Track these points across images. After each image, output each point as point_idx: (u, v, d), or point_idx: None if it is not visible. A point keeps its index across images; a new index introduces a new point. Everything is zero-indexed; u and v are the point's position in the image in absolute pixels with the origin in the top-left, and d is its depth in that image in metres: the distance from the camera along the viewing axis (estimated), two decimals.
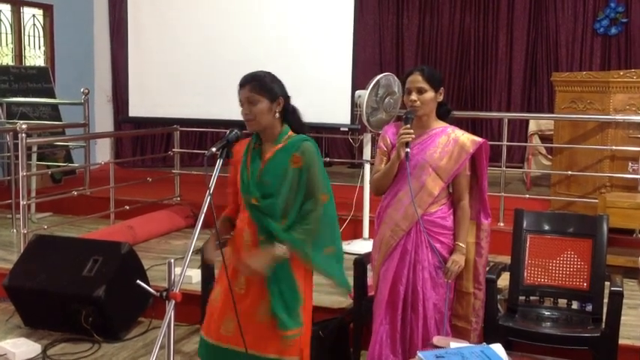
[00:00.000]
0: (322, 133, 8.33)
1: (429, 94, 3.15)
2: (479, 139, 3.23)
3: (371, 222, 5.38)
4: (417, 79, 3.14)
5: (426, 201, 3.17)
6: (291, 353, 2.79)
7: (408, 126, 3.11)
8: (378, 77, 5.28)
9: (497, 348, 2.68)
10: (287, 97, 2.84)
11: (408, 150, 3.09)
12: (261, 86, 2.77)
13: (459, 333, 3.30)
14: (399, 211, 3.19)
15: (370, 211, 5.46)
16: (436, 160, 3.16)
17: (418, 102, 3.14)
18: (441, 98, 3.21)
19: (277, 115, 2.81)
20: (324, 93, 5.75)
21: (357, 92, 5.47)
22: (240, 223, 2.87)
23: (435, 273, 3.19)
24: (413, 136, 3.10)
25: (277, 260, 2.73)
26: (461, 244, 3.19)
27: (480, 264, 3.29)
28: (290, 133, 2.84)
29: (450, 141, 3.19)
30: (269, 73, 2.85)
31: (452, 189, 3.25)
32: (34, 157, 6.74)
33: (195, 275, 4.48)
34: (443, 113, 3.28)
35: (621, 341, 3.40)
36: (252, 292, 2.80)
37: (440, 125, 3.25)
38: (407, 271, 3.19)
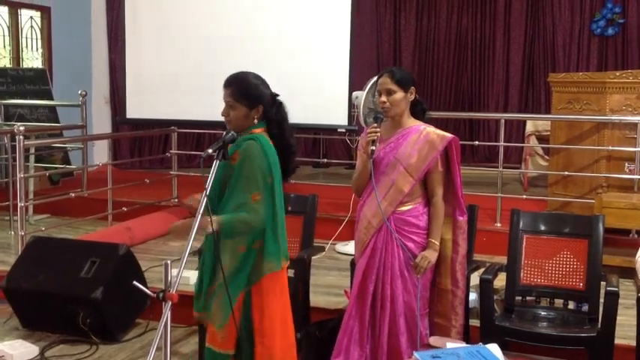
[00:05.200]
0: (320, 134, 8.35)
1: (399, 94, 3.21)
2: (448, 136, 3.27)
3: None
4: (385, 82, 3.22)
5: (396, 199, 3.22)
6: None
7: (375, 125, 3.21)
8: (375, 78, 5.28)
9: (494, 348, 2.68)
10: (271, 98, 2.83)
11: (374, 148, 3.17)
12: (240, 92, 2.78)
13: (439, 330, 3.34)
14: (372, 209, 3.25)
15: None
16: (407, 158, 3.22)
17: (387, 103, 3.21)
18: (412, 98, 3.27)
19: (256, 121, 2.82)
20: (322, 94, 5.77)
21: (355, 93, 5.48)
22: None
23: (406, 270, 3.23)
24: (378, 134, 3.19)
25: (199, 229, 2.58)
26: (433, 241, 3.24)
27: (457, 261, 3.32)
28: (254, 131, 2.81)
29: (420, 138, 3.25)
30: (254, 77, 2.82)
31: (426, 186, 3.30)
32: (32, 158, 6.75)
33: (192, 276, 4.48)
34: (418, 112, 3.34)
35: (617, 341, 3.41)
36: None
37: (413, 124, 3.31)
38: (376, 268, 3.25)
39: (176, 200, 6.96)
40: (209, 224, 2.60)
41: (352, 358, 3.26)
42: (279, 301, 2.89)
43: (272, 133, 2.84)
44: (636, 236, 5.24)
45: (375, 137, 3.17)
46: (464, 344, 2.92)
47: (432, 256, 3.22)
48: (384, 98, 3.22)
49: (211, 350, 2.88)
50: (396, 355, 3.17)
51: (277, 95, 2.87)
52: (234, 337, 2.84)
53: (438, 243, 3.24)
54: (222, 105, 2.85)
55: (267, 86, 2.85)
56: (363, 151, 3.33)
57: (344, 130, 6.18)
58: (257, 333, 2.84)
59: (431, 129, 3.28)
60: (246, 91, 2.79)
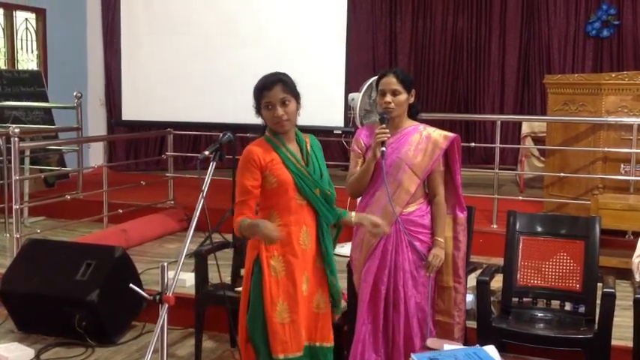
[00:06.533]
0: (316, 135, 8.33)
1: (403, 96, 3.22)
2: (451, 135, 3.30)
3: None
4: (391, 81, 3.21)
5: (403, 199, 3.22)
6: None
7: (384, 126, 3.17)
8: (372, 80, 5.29)
9: (491, 350, 2.69)
10: None
11: (384, 149, 3.15)
12: (290, 87, 2.77)
13: (442, 328, 3.34)
14: (378, 210, 3.22)
15: None
16: (411, 158, 3.23)
17: (392, 104, 3.20)
18: (412, 100, 3.28)
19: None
20: (318, 96, 5.72)
21: (351, 95, 5.48)
22: (287, 228, 2.77)
23: (416, 272, 3.24)
24: (388, 135, 3.17)
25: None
26: (439, 239, 3.26)
27: (459, 257, 3.34)
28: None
29: (422, 138, 3.26)
30: (287, 74, 2.83)
31: (427, 185, 3.31)
32: (27, 161, 6.73)
33: (188, 278, 4.48)
34: (413, 113, 3.36)
35: (614, 342, 3.41)
36: (310, 288, 2.82)
37: (411, 124, 3.32)
38: (388, 271, 3.24)
39: (172, 202, 6.95)
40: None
41: None
42: None
43: None
44: (632, 237, 5.24)
45: (385, 138, 3.14)
46: (461, 346, 2.92)
47: (441, 253, 3.25)
48: (388, 98, 3.20)
49: (328, 347, 2.90)
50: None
51: None
52: None
53: (443, 241, 3.27)
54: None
55: None
56: (360, 152, 3.33)
57: (340, 132, 6.17)
58: None
59: (431, 129, 3.31)
60: (292, 84, 2.80)
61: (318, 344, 2.85)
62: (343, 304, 3.81)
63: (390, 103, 3.20)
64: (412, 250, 3.24)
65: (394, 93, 3.20)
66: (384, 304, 3.25)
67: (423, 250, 3.25)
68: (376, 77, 5.28)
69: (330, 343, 2.90)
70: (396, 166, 3.23)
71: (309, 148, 2.87)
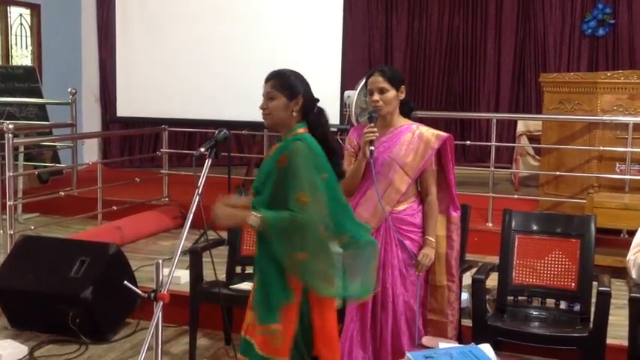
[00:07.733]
0: None
1: (391, 93, 3.21)
2: (443, 134, 3.29)
3: None
4: (377, 80, 3.21)
5: (394, 198, 3.22)
6: (267, 351, 2.67)
7: (372, 125, 3.17)
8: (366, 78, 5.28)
9: (486, 348, 2.68)
10: (310, 98, 2.78)
11: (373, 148, 3.15)
12: (282, 83, 2.74)
13: (435, 327, 3.34)
14: (368, 209, 3.23)
15: None
16: (402, 157, 3.23)
17: (380, 102, 3.20)
18: (402, 96, 3.27)
19: (294, 113, 2.74)
20: (314, 93, 5.75)
21: (346, 93, 5.48)
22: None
23: (405, 270, 3.24)
24: (377, 134, 3.16)
25: (243, 223, 2.67)
26: (430, 238, 3.26)
27: (452, 256, 3.34)
28: (298, 131, 2.72)
29: (414, 137, 3.25)
30: (295, 72, 2.81)
31: (419, 185, 3.31)
32: (21, 157, 6.71)
33: (183, 276, 4.46)
34: (406, 111, 3.35)
35: (609, 341, 3.40)
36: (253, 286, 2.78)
37: (404, 123, 3.31)
38: (377, 269, 3.22)
39: (167, 199, 6.93)
40: (255, 219, 2.58)
41: None
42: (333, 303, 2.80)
43: (314, 137, 2.76)
44: (627, 236, 5.24)
45: (374, 137, 3.15)
46: (456, 344, 2.92)
47: (431, 253, 3.25)
48: (376, 97, 3.20)
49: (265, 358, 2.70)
50: (399, 355, 3.17)
51: (317, 100, 2.82)
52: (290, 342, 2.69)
53: (434, 240, 3.27)
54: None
55: (308, 85, 2.80)
56: (352, 151, 3.32)
57: (336, 130, 6.16)
58: (318, 337, 2.70)
59: (424, 128, 3.30)
60: (287, 81, 2.76)
61: (248, 337, 2.73)
62: (339, 302, 3.82)
63: (377, 101, 3.20)
64: (402, 248, 3.24)
65: (381, 91, 3.20)
66: (373, 302, 3.25)
67: (413, 249, 3.25)
68: None
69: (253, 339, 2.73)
70: (387, 165, 3.23)
71: (272, 151, 2.77)
